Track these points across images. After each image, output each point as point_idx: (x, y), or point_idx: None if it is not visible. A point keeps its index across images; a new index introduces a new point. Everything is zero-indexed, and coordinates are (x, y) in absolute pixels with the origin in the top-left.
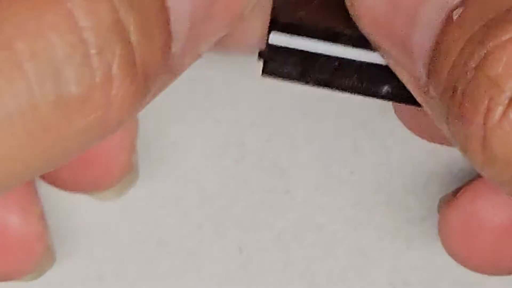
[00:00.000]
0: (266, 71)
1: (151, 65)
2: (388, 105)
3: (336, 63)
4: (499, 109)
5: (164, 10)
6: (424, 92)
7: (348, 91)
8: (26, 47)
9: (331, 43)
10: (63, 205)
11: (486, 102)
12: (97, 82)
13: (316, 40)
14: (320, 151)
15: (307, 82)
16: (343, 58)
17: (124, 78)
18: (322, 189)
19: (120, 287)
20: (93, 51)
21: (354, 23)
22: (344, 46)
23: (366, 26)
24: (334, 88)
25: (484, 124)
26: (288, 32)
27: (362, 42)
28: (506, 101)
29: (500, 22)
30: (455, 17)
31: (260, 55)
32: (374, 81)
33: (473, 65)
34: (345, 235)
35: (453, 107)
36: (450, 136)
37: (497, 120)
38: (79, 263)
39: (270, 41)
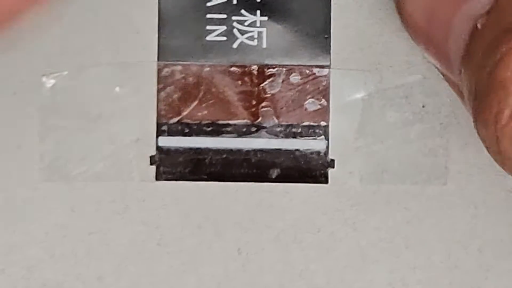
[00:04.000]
0: (159, 176)
1: None
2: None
3: (224, 155)
4: (506, 112)
5: None
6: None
7: (241, 180)
8: None
9: (217, 136)
10: (62, 204)
11: (496, 105)
12: None
13: (202, 136)
14: None
15: (200, 179)
16: (230, 149)
17: None
18: (321, 189)
19: (120, 287)
20: None
21: (237, 114)
22: (230, 137)
23: (409, 31)
24: (227, 180)
25: (495, 126)
26: (174, 134)
27: (246, 130)
28: None
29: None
30: (479, 26)
31: (151, 160)
32: (263, 167)
33: (488, 70)
34: (344, 235)
35: (474, 110)
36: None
37: (506, 122)
38: (79, 263)
39: (159, 144)
